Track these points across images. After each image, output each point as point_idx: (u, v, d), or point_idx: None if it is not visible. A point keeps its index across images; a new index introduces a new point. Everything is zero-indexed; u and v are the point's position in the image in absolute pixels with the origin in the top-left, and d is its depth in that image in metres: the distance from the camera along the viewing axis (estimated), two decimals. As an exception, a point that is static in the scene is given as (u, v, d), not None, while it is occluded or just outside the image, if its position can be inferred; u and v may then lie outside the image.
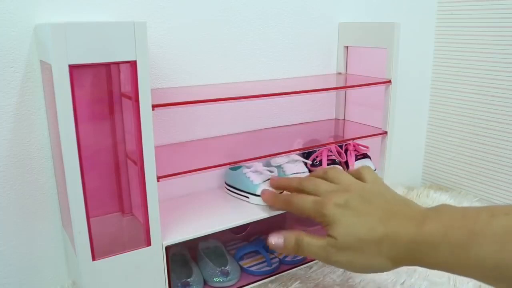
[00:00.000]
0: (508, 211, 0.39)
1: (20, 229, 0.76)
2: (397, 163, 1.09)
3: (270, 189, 0.77)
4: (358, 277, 0.84)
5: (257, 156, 0.78)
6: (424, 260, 0.45)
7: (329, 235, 0.52)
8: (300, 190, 0.62)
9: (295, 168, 0.91)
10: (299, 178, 0.67)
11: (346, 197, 0.52)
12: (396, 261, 0.48)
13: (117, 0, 0.77)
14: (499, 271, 0.37)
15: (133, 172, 0.76)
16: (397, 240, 0.45)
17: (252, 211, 0.80)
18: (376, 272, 0.51)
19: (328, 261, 0.53)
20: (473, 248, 0.39)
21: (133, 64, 0.61)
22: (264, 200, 0.74)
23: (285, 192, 0.73)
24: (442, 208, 0.48)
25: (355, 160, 0.96)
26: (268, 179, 0.86)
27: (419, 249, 0.44)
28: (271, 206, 0.74)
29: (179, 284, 0.77)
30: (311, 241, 0.55)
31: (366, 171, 0.59)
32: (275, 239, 0.61)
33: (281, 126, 1.01)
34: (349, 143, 0.98)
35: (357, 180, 0.58)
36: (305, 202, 0.57)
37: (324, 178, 0.61)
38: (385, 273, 0.85)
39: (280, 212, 0.79)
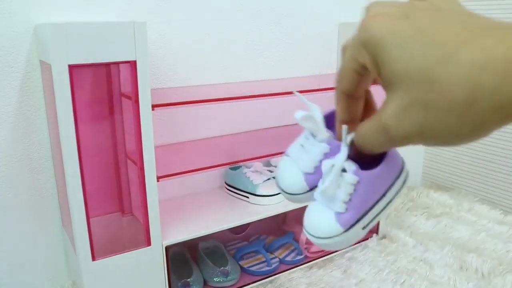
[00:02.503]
0: None
1: (20, 229, 0.76)
2: (397, 163, 1.09)
3: None
4: (357, 277, 0.84)
5: (257, 156, 0.78)
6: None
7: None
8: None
9: (295, 168, 0.91)
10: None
11: (400, 7, 0.29)
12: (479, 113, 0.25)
13: (117, 0, 0.77)
14: None
15: (133, 172, 0.76)
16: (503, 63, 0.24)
17: (252, 211, 0.80)
18: (454, 141, 0.28)
19: (395, 133, 0.29)
20: None
21: (133, 64, 0.61)
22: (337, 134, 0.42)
23: None
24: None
25: (355, 160, 0.96)
26: (268, 179, 0.86)
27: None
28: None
29: (179, 284, 0.77)
30: (368, 124, 0.33)
31: None
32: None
33: (281, 126, 1.01)
34: (349, 143, 0.98)
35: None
36: (345, 49, 0.33)
37: None
38: (385, 272, 0.86)
39: (282, 212, 0.79)
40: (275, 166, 0.91)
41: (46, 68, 0.66)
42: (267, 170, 0.87)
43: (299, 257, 0.87)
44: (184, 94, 0.79)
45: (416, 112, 0.26)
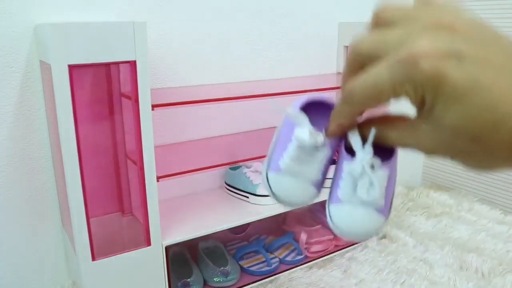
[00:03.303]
0: None
1: (20, 229, 0.76)
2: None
3: None
4: (357, 277, 0.84)
5: (257, 156, 0.78)
6: None
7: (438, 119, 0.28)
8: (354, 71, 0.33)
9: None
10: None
11: (448, 37, 0.27)
12: None
13: (117, 0, 0.77)
14: None
15: (133, 172, 0.76)
16: None
17: (252, 211, 0.80)
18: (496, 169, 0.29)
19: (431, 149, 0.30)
20: None
21: (132, 64, 0.61)
22: (329, 133, 0.41)
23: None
24: None
25: (355, 160, 0.96)
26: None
27: None
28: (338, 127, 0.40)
29: (179, 284, 0.77)
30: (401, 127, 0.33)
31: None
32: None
33: (281, 126, 1.01)
34: (349, 143, 0.98)
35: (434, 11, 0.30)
36: (373, 75, 0.29)
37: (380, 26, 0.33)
38: (385, 272, 0.86)
39: (280, 211, 0.79)
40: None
41: (46, 68, 0.66)
42: (267, 170, 0.87)
43: (299, 257, 0.87)
44: (184, 94, 0.79)
45: (456, 150, 0.28)
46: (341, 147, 0.46)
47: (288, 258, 0.87)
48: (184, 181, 0.86)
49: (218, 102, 0.73)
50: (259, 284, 0.82)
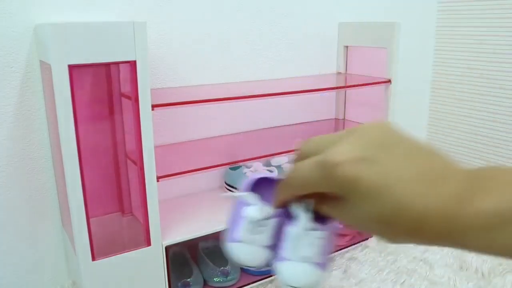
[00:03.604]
0: None
1: (20, 229, 0.76)
2: (397, 163, 1.09)
3: None
4: (357, 277, 0.84)
5: (257, 156, 0.78)
6: (477, 244, 0.33)
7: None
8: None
9: (295, 168, 0.91)
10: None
11: (362, 144, 0.35)
12: (438, 239, 0.33)
13: (117, 0, 0.77)
14: None
15: (133, 172, 0.76)
16: (444, 215, 0.33)
17: (252, 211, 0.80)
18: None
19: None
20: (502, 234, 0.30)
21: (133, 64, 0.61)
22: (275, 206, 0.54)
23: None
24: (486, 175, 0.34)
25: (355, 160, 0.96)
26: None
27: (470, 230, 0.32)
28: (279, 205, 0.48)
29: (179, 284, 0.77)
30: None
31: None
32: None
33: (281, 126, 1.01)
34: (349, 143, 0.98)
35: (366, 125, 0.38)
36: (305, 169, 0.37)
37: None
38: (384, 273, 0.86)
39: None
40: (275, 166, 0.91)
41: (46, 68, 0.66)
42: (267, 170, 0.87)
43: (299, 257, 0.87)
44: (184, 94, 0.79)
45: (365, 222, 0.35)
46: (285, 214, 0.53)
47: (288, 258, 0.87)
48: (184, 181, 0.86)
49: (218, 102, 0.73)
50: (259, 284, 0.82)
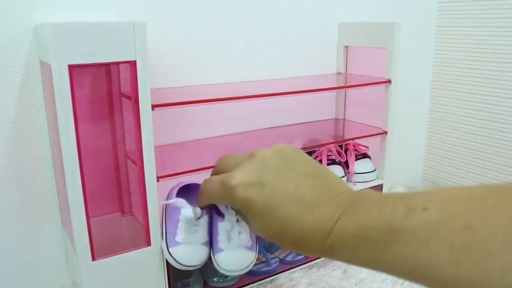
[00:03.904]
0: (425, 205, 0.34)
1: (20, 229, 0.76)
2: (397, 163, 1.09)
3: None
4: (357, 277, 0.84)
5: (257, 156, 0.78)
6: (343, 258, 0.40)
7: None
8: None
9: (295, 168, 0.91)
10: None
11: (258, 172, 0.43)
12: (311, 254, 0.43)
13: (117, 0, 0.77)
14: (419, 270, 0.34)
15: (133, 172, 0.76)
16: (314, 237, 0.40)
17: (252, 211, 0.80)
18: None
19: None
20: (391, 248, 0.35)
21: (133, 64, 0.61)
22: (201, 207, 0.61)
23: None
24: (359, 199, 0.40)
25: (355, 160, 0.96)
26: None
27: (336, 247, 0.39)
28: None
29: (179, 284, 0.77)
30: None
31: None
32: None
33: (281, 126, 1.01)
34: (349, 143, 0.99)
35: (270, 151, 0.48)
36: (212, 186, 0.47)
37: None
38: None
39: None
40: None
41: (46, 68, 0.66)
42: (267, 170, 0.87)
43: (299, 257, 0.87)
44: (184, 94, 0.79)
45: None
46: (213, 212, 0.66)
47: (288, 258, 0.87)
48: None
49: (218, 102, 0.73)
50: (259, 284, 0.82)
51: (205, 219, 0.66)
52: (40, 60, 0.70)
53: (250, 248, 0.67)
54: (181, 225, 0.67)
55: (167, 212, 0.71)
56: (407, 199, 0.36)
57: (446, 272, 0.31)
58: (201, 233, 0.66)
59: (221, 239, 0.66)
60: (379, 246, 0.35)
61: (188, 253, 0.66)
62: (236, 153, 0.50)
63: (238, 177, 0.43)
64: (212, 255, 0.67)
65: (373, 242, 0.36)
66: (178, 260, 0.66)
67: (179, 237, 0.67)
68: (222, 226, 0.65)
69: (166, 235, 0.68)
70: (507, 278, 0.27)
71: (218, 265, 0.66)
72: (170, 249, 0.67)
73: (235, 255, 0.66)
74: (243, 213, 0.44)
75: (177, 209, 0.66)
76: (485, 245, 0.29)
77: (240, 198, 0.42)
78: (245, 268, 0.67)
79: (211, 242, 0.68)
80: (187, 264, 0.66)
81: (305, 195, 0.41)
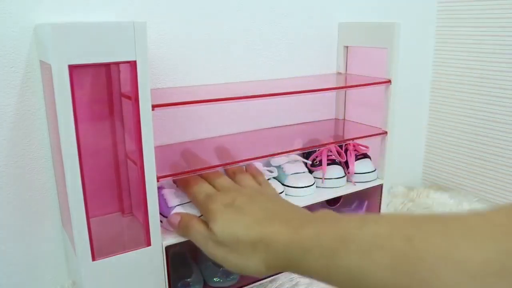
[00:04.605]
0: (377, 220, 0.38)
1: (20, 229, 0.76)
2: (397, 163, 1.09)
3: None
4: (358, 277, 0.84)
5: (257, 156, 0.78)
6: (297, 266, 0.43)
7: (210, 229, 0.54)
8: (208, 182, 0.66)
9: (295, 168, 0.91)
10: (218, 172, 0.70)
11: (234, 196, 0.54)
12: (270, 265, 0.47)
13: (117, 0, 0.77)
14: (363, 279, 0.36)
15: (133, 172, 0.76)
16: (272, 243, 0.45)
17: (252, 211, 0.80)
18: (251, 274, 0.51)
19: (206, 251, 0.56)
20: (340, 254, 0.38)
21: (133, 64, 0.61)
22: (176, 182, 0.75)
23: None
24: (321, 214, 0.45)
25: (355, 160, 0.96)
26: (268, 179, 0.86)
27: (292, 254, 0.43)
28: (179, 187, 0.73)
29: (179, 284, 0.77)
30: (197, 229, 0.58)
31: (262, 179, 0.66)
32: (173, 217, 0.64)
33: (281, 126, 1.01)
34: (349, 143, 0.99)
35: (255, 184, 0.61)
36: (200, 191, 0.61)
37: (234, 176, 0.66)
38: (385, 273, 0.85)
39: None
40: (275, 166, 0.91)
41: (46, 68, 0.66)
42: (267, 170, 0.87)
43: (299, 257, 0.87)
44: (184, 94, 0.79)
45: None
46: None
47: (288, 258, 0.87)
48: (184, 181, 0.86)
49: (218, 102, 0.73)
50: (259, 284, 0.82)
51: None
52: (40, 60, 0.70)
53: None
54: (165, 193, 0.76)
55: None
56: (364, 216, 0.41)
57: (385, 280, 0.34)
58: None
59: None
60: (329, 253, 0.38)
61: (185, 207, 0.72)
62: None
63: (215, 206, 0.57)
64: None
65: (324, 249, 0.39)
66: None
67: (171, 202, 0.73)
68: None
69: (160, 212, 0.71)
70: (441, 285, 0.31)
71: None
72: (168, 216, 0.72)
73: None
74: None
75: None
76: (420, 253, 0.33)
77: (213, 208, 0.56)
78: None
79: None
80: None
81: (259, 215, 0.50)
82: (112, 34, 0.59)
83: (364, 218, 0.39)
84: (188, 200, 0.76)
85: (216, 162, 0.75)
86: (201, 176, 0.69)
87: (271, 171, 0.87)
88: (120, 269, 0.67)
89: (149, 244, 0.69)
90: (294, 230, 0.44)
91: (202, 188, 0.61)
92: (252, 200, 0.53)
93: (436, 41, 1.26)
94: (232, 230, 0.50)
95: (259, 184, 0.69)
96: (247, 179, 0.66)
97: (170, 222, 0.65)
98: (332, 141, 0.92)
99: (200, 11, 0.86)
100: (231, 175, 0.70)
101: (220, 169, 0.72)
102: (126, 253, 0.67)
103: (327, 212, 0.46)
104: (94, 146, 0.74)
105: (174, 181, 0.74)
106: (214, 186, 0.62)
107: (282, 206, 0.53)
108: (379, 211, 0.98)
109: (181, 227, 0.62)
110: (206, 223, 0.57)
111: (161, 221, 0.73)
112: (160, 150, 0.80)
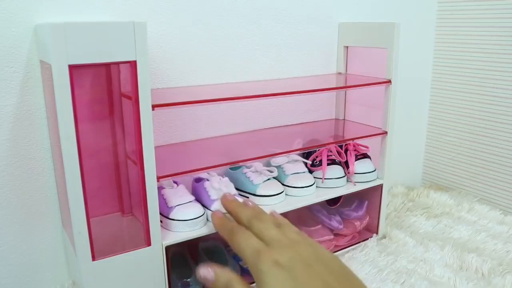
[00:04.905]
0: None
1: (20, 229, 0.76)
2: (397, 163, 1.09)
3: (222, 209, 0.66)
4: (358, 277, 0.84)
5: (257, 156, 0.78)
6: None
7: None
8: (248, 227, 0.56)
9: (295, 168, 0.91)
10: (252, 210, 0.59)
11: (288, 257, 0.46)
12: None
13: (117, 0, 0.77)
14: None
15: (133, 172, 0.76)
16: None
17: (252, 211, 0.80)
18: None
19: None
20: None
21: (133, 64, 0.61)
22: (212, 222, 0.64)
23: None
24: None
25: (355, 160, 0.96)
26: (268, 179, 0.86)
27: None
28: (216, 228, 0.62)
29: (179, 284, 0.77)
30: None
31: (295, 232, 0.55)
32: (205, 272, 0.53)
33: (281, 126, 1.01)
34: (349, 143, 0.99)
35: (305, 237, 0.52)
36: (246, 245, 0.51)
37: (273, 221, 0.56)
38: (385, 272, 0.85)
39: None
40: (275, 166, 0.91)
41: (46, 68, 0.66)
42: (267, 170, 0.87)
43: (299, 257, 0.87)
44: (184, 94, 0.79)
45: None
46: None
47: (288, 258, 0.87)
48: (184, 181, 0.86)
49: (218, 102, 0.73)
50: (259, 284, 0.81)
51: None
52: (40, 60, 0.70)
53: None
54: (165, 193, 0.77)
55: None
56: None
57: None
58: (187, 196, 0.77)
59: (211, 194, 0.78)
60: None
61: (185, 207, 0.74)
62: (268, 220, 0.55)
63: (272, 253, 0.47)
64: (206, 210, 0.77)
65: None
66: (178, 218, 0.73)
67: (171, 202, 0.74)
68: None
69: (160, 212, 0.72)
70: None
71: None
72: (169, 216, 0.73)
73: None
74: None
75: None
76: None
77: (264, 269, 0.45)
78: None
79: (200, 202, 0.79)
80: (187, 218, 0.73)
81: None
82: (112, 34, 0.59)
83: None
84: (188, 200, 0.76)
85: (217, 162, 0.75)
86: (240, 219, 0.59)
87: (271, 171, 0.87)
88: (120, 269, 0.67)
89: (149, 244, 0.69)
90: None
91: (247, 241, 0.52)
92: (309, 265, 0.45)
93: (436, 41, 1.26)
94: None
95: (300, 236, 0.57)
96: (292, 232, 0.54)
97: (201, 276, 0.54)
98: (332, 141, 0.92)
99: (200, 11, 0.86)
100: (275, 222, 0.58)
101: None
102: (126, 253, 0.67)
103: None
104: (94, 146, 0.74)
105: (214, 222, 0.63)
106: (261, 238, 0.52)
107: (341, 275, 0.46)
108: (379, 211, 0.98)
109: (217, 286, 0.53)
110: (247, 285, 0.50)
111: (161, 221, 0.73)
112: (160, 150, 0.80)
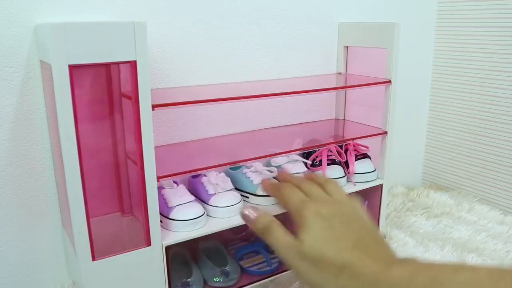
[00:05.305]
0: (474, 268, 0.38)
1: (20, 229, 0.76)
2: (397, 163, 1.09)
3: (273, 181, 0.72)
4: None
5: (257, 156, 0.78)
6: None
7: (297, 238, 0.51)
8: (297, 187, 0.62)
9: (295, 168, 0.91)
10: (302, 177, 0.64)
11: (330, 210, 0.51)
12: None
13: (117, 0, 0.77)
14: None
15: (133, 172, 0.76)
16: (359, 274, 0.44)
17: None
18: None
19: (287, 260, 0.52)
20: None
21: (133, 64, 0.61)
22: (262, 186, 0.72)
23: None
24: (410, 259, 0.46)
25: (355, 160, 0.96)
26: (268, 179, 0.86)
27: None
28: (266, 190, 0.68)
29: (179, 284, 0.77)
30: (279, 236, 0.54)
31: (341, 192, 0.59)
32: (249, 211, 0.58)
33: (281, 126, 1.01)
34: (349, 143, 0.99)
35: (350, 199, 0.57)
36: (293, 196, 0.57)
37: (322, 185, 0.60)
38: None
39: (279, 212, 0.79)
40: (275, 166, 0.91)
41: (46, 68, 0.66)
42: (267, 170, 0.87)
43: (299, 257, 0.87)
44: (184, 94, 0.79)
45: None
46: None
47: (288, 258, 0.87)
48: (184, 181, 0.86)
49: (218, 102, 0.73)
50: (259, 284, 0.82)
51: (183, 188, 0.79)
52: (40, 60, 0.70)
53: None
54: (165, 193, 0.77)
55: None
56: (455, 263, 0.41)
57: None
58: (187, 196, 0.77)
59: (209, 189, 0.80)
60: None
61: (185, 207, 0.74)
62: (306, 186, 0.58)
63: (317, 205, 0.51)
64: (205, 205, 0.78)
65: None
66: (178, 218, 0.73)
67: (171, 202, 0.74)
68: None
69: (160, 212, 0.72)
70: None
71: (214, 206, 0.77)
72: (169, 216, 0.73)
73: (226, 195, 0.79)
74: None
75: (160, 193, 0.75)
76: None
77: (307, 216, 0.50)
78: (238, 203, 0.79)
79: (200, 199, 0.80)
80: (187, 218, 0.73)
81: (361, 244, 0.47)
82: (112, 34, 0.59)
83: (457, 265, 0.40)
84: (188, 200, 0.77)
85: (217, 162, 0.75)
86: (292, 181, 0.63)
87: (271, 171, 0.87)
88: (120, 269, 0.67)
89: (149, 244, 0.69)
90: (385, 266, 0.43)
91: (294, 193, 0.57)
92: (346, 220, 0.50)
93: (436, 41, 1.26)
94: (322, 246, 0.47)
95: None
96: (338, 191, 0.59)
97: (244, 215, 0.59)
98: (332, 141, 0.92)
99: (200, 11, 0.86)
100: (322, 184, 0.63)
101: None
102: (126, 253, 0.67)
103: (415, 259, 0.45)
104: (94, 146, 0.74)
105: (264, 186, 0.68)
106: (306, 194, 0.58)
107: (374, 237, 0.50)
108: (379, 211, 0.98)
109: (258, 228, 0.57)
110: (286, 229, 0.54)
111: (161, 221, 0.73)
112: (160, 150, 0.80)
